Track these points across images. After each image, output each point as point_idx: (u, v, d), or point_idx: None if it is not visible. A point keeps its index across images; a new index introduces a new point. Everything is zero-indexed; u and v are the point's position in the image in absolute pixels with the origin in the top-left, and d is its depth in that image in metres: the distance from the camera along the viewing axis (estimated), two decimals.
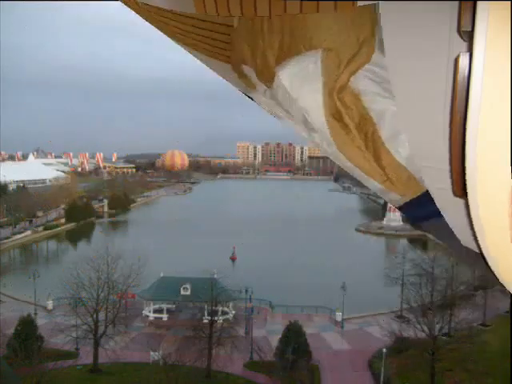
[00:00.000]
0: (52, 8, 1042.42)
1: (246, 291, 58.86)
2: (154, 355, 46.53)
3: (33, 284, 64.55)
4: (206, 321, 50.52)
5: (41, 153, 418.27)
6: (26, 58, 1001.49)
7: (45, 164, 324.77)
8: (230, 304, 61.43)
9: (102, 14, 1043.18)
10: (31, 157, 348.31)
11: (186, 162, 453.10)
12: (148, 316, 63.78)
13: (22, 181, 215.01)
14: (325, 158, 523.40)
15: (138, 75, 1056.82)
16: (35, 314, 61.46)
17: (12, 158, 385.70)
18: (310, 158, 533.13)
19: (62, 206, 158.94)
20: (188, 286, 62.61)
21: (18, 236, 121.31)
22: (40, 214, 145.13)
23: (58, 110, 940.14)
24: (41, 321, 57.87)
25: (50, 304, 66.50)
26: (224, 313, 56.47)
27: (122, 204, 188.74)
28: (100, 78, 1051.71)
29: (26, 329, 48.33)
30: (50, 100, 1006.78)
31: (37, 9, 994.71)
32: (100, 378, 45.47)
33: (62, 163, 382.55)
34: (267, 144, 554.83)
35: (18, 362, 37.64)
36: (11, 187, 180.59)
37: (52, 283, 60.29)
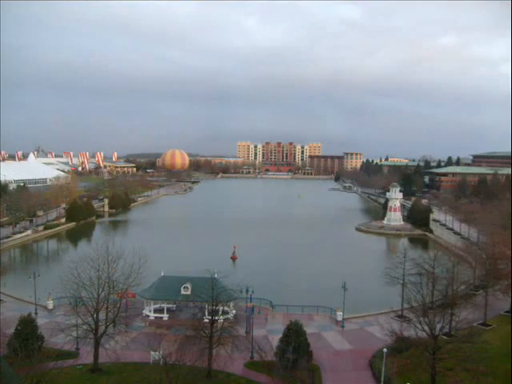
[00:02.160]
0: (52, 7, 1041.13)
1: (247, 291, 58.83)
2: (155, 355, 46.41)
3: (33, 283, 64.56)
4: (206, 320, 50.41)
5: (41, 152, 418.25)
6: (25, 57, 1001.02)
7: (45, 163, 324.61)
8: (231, 303, 61.37)
9: (102, 14, 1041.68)
10: (32, 156, 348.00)
11: (187, 162, 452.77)
12: (148, 315, 63.84)
13: (23, 180, 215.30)
14: (326, 158, 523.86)
15: (138, 75, 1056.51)
16: (35, 313, 61.56)
17: (12, 157, 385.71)
18: (311, 157, 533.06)
19: (63, 206, 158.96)
20: (188, 285, 62.61)
21: (19, 235, 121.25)
22: (40, 213, 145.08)
23: (58, 109, 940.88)
24: (41, 320, 57.96)
25: (50, 303, 66.56)
26: (224, 312, 56.29)
27: (122, 203, 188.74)
28: (100, 78, 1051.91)
29: (27, 328, 48.34)
30: (49, 100, 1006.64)
31: (36, 8, 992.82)
32: (100, 378, 45.33)
33: (63, 162, 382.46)
34: (268, 143, 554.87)
35: (18, 362, 37.54)
36: (12, 187, 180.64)
37: (52, 283, 60.24)
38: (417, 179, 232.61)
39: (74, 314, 48.34)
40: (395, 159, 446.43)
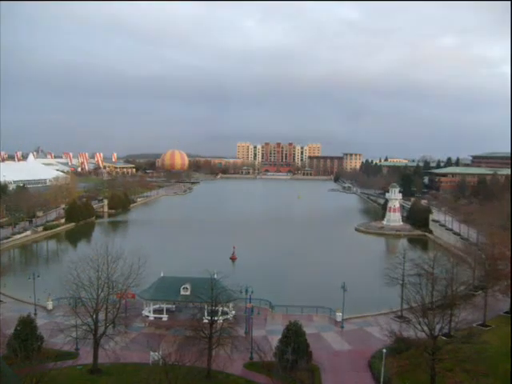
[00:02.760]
0: (52, 8, 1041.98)
1: (246, 291, 58.78)
2: (154, 355, 46.45)
3: (33, 284, 64.52)
4: (205, 321, 50.44)
5: (41, 153, 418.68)
6: (25, 57, 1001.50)
7: (45, 164, 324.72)
8: (230, 304, 61.40)
9: (102, 14, 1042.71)
10: (31, 157, 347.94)
11: (186, 162, 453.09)
12: (148, 316, 63.83)
13: (22, 181, 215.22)
14: (325, 158, 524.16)
15: (138, 75, 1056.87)
16: (35, 314, 61.53)
17: (12, 157, 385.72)
18: (310, 157, 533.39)
19: (62, 206, 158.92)
20: (188, 285, 62.60)
21: (18, 236, 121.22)
22: (40, 213, 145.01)
23: (58, 109, 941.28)
24: (41, 321, 57.89)
25: (49, 304, 66.52)
26: (224, 313, 56.37)
27: (121, 204, 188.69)
28: (100, 78, 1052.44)
29: (26, 329, 48.29)
30: (49, 100, 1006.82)
31: (36, 8, 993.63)
32: (100, 379, 45.37)
33: (62, 163, 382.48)
34: (267, 144, 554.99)
35: (17, 362, 37.59)
36: (11, 187, 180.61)
37: (52, 283, 60.24)
38: (416, 180, 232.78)
39: (73, 315, 48.33)
40: (395, 160, 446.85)
